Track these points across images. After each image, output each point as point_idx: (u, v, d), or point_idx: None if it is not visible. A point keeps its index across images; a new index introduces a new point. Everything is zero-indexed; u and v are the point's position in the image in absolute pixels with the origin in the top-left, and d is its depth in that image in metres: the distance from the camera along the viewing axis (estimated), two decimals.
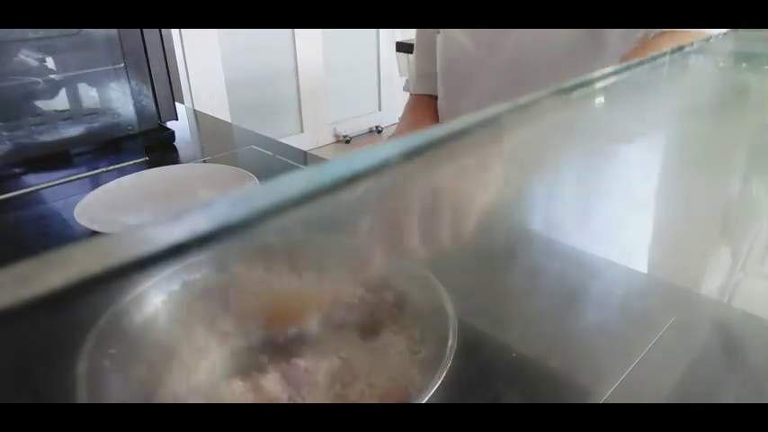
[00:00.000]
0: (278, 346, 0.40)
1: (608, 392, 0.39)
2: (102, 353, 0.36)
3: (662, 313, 0.46)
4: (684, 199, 0.62)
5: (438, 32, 0.82)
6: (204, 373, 0.38)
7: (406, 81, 0.97)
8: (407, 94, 0.97)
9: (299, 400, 0.36)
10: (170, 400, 0.36)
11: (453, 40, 0.78)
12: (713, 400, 0.38)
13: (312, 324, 0.42)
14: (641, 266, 0.60)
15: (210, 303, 0.44)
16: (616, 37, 0.65)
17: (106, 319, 0.38)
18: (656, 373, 0.41)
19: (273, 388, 0.37)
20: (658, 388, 0.39)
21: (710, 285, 0.56)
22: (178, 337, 0.41)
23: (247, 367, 0.39)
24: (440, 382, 0.32)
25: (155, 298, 0.42)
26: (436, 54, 0.84)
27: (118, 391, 0.36)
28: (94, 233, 0.62)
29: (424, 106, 0.90)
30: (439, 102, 0.87)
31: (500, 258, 0.50)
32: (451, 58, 0.80)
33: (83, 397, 0.32)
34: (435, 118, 0.88)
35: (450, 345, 0.35)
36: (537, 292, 0.48)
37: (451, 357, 0.34)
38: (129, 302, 0.40)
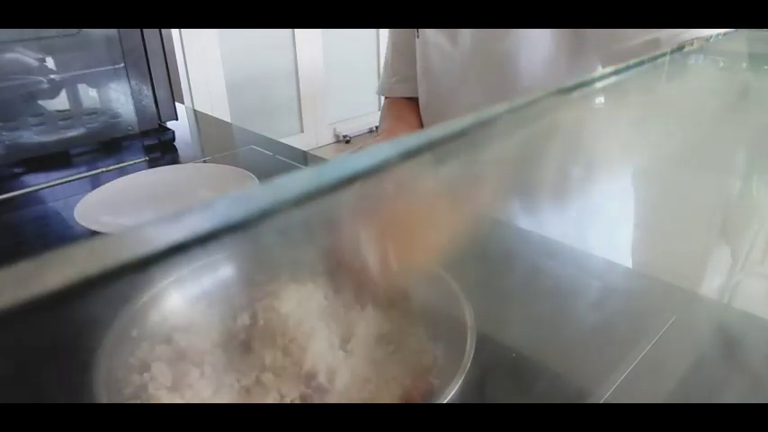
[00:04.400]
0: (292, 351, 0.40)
1: (608, 392, 0.39)
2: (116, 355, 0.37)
3: (662, 313, 0.46)
4: (685, 199, 0.62)
5: (417, 37, 0.81)
6: (217, 375, 0.38)
7: (380, 85, 0.96)
8: None
9: (317, 401, 0.36)
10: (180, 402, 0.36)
11: (436, 47, 0.78)
12: (713, 400, 0.38)
13: (325, 325, 0.42)
14: (641, 266, 0.60)
15: (225, 306, 0.44)
16: (599, 43, 0.66)
17: (121, 319, 0.38)
18: (656, 373, 0.41)
19: (288, 391, 0.37)
20: (658, 388, 0.39)
21: (710, 285, 0.56)
22: (197, 338, 0.41)
23: (259, 369, 0.39)
24: (458, 385, 0.32)
25: (171, 297, 0.42)
26: (416, 57, 0.83)
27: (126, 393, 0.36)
28: (94, 233, 0.62)
29: (407, 108, 0.90)
30: (422, 108, 0.87)
31: (500, 258, 0.50)
32: (434, 64, 0.79)
33: (88, 398, 0.32)
34: (419, 120, 0.89)
35: (468, 347, 0.35)
36: (536, 291, 0.48)
37: (470, 361, 0.34)
38: (147, 301, 0.41)
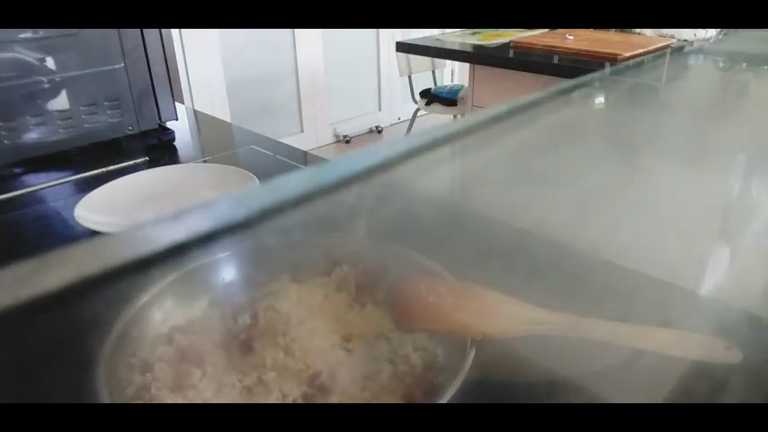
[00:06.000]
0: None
1: (608, 392, 0.39)
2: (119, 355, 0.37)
3: (662, 313, 0.46)
4: (684, 199, 0.62)
5: None
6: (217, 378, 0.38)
7: None
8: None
9: (319, 400, 0.36)
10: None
11: None
12: (713, 400, 0.38)
13: (325, 325, 0.42)
14: (641, 266, 0.60)
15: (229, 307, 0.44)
16: None
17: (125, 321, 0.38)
18: (656, 373, 0.41)
19: (290, 390, 0.37)
20: (658, 388, 0.39)
21: (710, 285, 0.56)
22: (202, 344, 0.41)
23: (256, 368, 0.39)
24: (458, 385, 0.33)
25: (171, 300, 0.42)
26: None
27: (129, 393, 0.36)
28: (94, 233, 0.62)
29: None
30: None
31: (499, 257, 0.50)
32: None
33: (89, 397, 0.32)
34: None
35: (469, 346, 0.35)
36: (537, 291, 0.48)
37: (471, 360, 0.34)
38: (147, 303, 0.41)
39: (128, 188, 0.73)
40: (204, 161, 0.89)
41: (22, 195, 0.76)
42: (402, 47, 1.97)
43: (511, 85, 1.66)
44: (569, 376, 0.42)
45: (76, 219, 0.63)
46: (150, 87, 0.92)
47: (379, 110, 3.30)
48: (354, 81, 3.14)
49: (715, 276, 0.59)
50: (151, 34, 0.90)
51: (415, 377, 0.38)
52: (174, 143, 0.96)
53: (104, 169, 0.83)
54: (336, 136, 3.14)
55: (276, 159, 0.88)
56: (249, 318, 0.43)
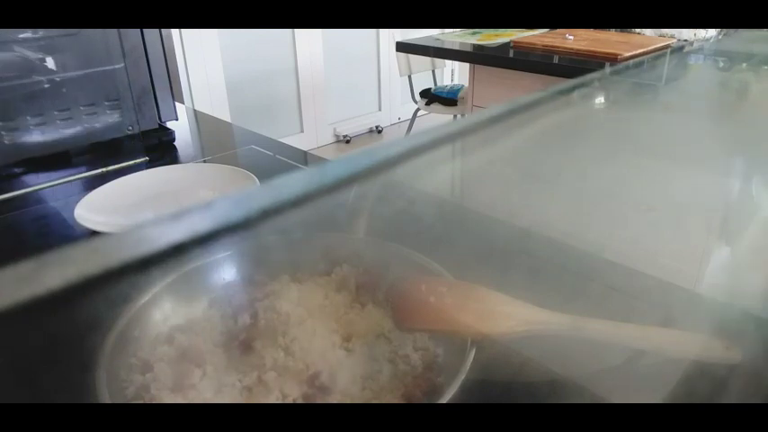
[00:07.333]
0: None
1: (608, 393, 0.39)
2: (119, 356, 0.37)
3: (662, 313, 0.46)
4: (684, 199, 0.62)
5: None
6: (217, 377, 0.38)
7: None
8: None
9: (319, 400, 0.36)
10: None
11: None
12: (713, 400, 0.38)
13: (325, 325, 0.42)
14: (641, 266, 0.60)
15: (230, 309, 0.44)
16: None
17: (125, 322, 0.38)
18: (656, 373, 0.41)
19: (290, 390, 0.37)
20: (658, 388, 0.39)
21: (710, 285, 0.56)
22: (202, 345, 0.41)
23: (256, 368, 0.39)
24: (458, 385, 0.33)
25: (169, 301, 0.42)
26: None
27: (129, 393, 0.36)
28: (94, 233, 0.62)
29: None
30: None
31: (500, 257, 0.50)
32: None
33: (89, 398, 0.32)
34: None
35: (469, 346, 0.35)
36: (536, 291, 0.48)
37: (471, 360, 0.34)
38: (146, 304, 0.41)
39: (128, 188, 0.73)
40: (204, 161, 0.89)
41: (22, 195, 0.76)
42: (402, 47, 1.96)
43: (511, 85, 1.66)
44: (570, 376, 0.42)
45: (76, 219, 0.63)
46: (150, 87, 0.92)
47: (379, 110, 3.30)
48: (354, 81, 3.14)
49: (715, 276, 0.59)
50: (151, 34, 0.90)
51: (415, 377, 0.38)
52: (174, 143, 0.96)
53: (104, 169, 0.83)
54: (336, 136, 3.14)
55: (276, 159, 0.88)
56: (249, 318, 0.43)
